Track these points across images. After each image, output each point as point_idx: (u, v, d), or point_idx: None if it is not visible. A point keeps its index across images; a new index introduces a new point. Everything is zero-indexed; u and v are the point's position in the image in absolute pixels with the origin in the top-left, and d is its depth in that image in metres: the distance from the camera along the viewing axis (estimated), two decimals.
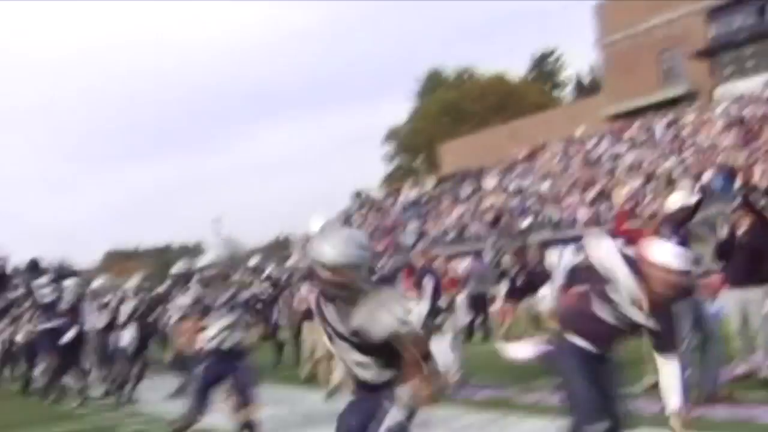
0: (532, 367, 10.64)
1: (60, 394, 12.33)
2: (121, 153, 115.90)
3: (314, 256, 4.12)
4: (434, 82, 58.28)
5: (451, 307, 10.48)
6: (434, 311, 9.59)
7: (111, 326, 12.56)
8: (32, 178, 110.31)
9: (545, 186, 30.13)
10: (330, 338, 4.29)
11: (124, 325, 12.09)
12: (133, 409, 11.45)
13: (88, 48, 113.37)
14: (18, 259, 26.60)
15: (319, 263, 4.08)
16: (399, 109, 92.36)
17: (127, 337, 12.03)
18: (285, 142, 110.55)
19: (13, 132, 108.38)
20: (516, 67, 59.65)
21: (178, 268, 11.55)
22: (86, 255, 69.83)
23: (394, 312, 4.08)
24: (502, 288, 12.55)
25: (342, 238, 4.13)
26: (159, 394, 11.89)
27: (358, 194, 43.52)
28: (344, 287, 4.07)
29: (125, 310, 12.33)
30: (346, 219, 38.07)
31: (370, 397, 4.22)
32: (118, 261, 57.63)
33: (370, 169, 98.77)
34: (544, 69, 61.21)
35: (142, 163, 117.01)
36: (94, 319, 12.56)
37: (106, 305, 13.30)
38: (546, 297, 10.44)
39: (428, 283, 9.64)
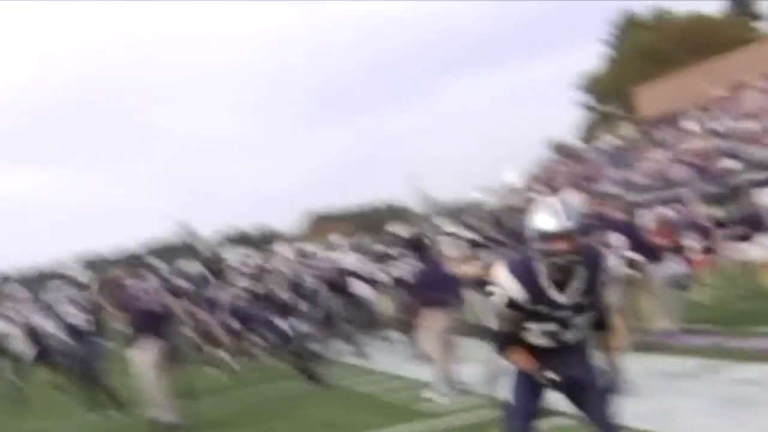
0: (745, 313, 10.56)
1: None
2: (315, 118, 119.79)
3: (541, 228, 4.09)
4: (629, 25, 56.16)
5: (656, 257, 10.44)
6: (634, 261, 9.60)
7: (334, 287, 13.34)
8: (233, 143, 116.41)
9: (749, 125, 28.71)
10: (527, 318, 4.22)
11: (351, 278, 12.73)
12: (368, 366, 12.16)
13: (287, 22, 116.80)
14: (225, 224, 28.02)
15: (549, 234, 4.06)
16: (587, 56, 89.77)
17: (363, 288, 12.69)
18: (473, 95, 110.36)
19: (219, 98, 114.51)
20: (710, 4, 56.02)
21: (403, 230, 12.17)
22: (287, 219, 72.85)
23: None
24: (710, 235, 12.33)
25: (561, 204, 4.13)
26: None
27: (552, 144, 42.84)
28: (576, 252, 4.07)
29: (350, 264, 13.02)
30: (543, 169, 37.83)
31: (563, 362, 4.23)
32: (320, 224, 60.01)
33: (561, 118, 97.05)
34: (742, 2, 57.53)
35: (335, 127, 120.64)
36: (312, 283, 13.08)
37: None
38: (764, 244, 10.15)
39: (628, 233, 9.65)
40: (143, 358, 9.00)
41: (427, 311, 9.19)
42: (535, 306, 4.15)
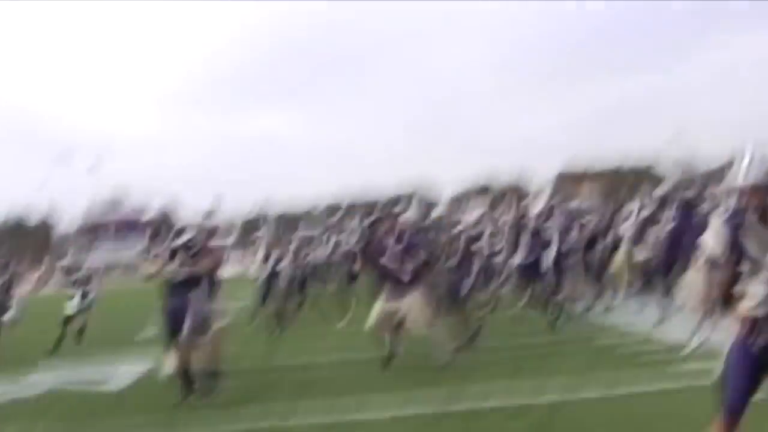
0: None
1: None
2: (574, 71, 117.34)
3: (734, 181, 4.13)
4: None
5: None
6: None
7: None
8: (491, 94, 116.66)
9: None
10: (736, 275, 4.18)
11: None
12: (608, 321, 12.29)
13: None
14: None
15: (738, 187, 4.11)
16: None
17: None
18: (739, 54, 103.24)
19: (471, 49, 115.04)
20: None
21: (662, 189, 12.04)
22: (540, 174, 72.06)
23: None
24: None
25: (755, 158, 4.09)
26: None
27: None
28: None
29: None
30: None
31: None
32: (572, 178, 58.97)
33: None
34: None
35: (593, 82, 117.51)
36: (573, 238, 13.11)
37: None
38: None
39: None
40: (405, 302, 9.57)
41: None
42: (740, 259, 4.13)
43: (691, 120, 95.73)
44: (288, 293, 15.40)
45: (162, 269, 8.37)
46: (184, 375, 8.40)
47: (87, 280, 14.85)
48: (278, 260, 15.55)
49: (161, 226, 8.66)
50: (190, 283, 8.31)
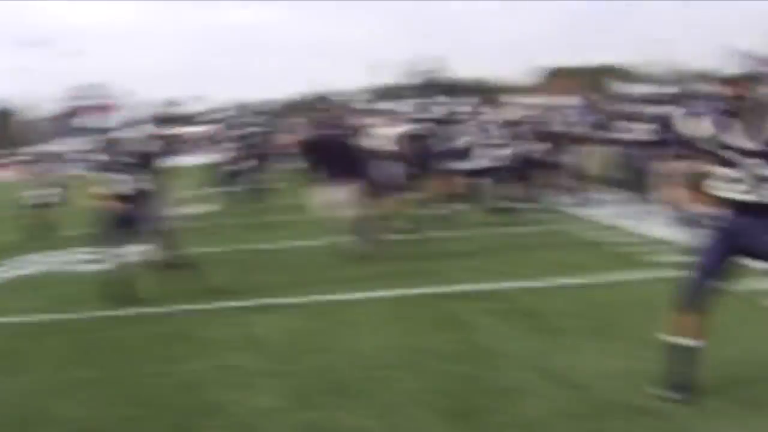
0: None
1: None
2: None
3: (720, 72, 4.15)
4: None
5: None
6: None
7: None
8: None
9: None
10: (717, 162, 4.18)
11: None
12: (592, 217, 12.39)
13: None
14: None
15: (722, 78, 4.09)
16: None
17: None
18: None
19: None
20: None
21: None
22: (526, 71, 71.45)
23: None
24: None
25: (740, 49, 4.09)
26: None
27: None
28: (744, 100, 4.02)
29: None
30: None
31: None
32: (550, 79, 58.62)
33: None
34: None
35: None
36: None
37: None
38: None
39: None
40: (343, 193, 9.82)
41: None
42: (722, 148, 4.14)
43: (673, 24, 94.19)
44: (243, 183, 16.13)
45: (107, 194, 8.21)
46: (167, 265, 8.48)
47: (51, 181, 15.01)
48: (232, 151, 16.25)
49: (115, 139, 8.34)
50: (139, 196, 8.21)
